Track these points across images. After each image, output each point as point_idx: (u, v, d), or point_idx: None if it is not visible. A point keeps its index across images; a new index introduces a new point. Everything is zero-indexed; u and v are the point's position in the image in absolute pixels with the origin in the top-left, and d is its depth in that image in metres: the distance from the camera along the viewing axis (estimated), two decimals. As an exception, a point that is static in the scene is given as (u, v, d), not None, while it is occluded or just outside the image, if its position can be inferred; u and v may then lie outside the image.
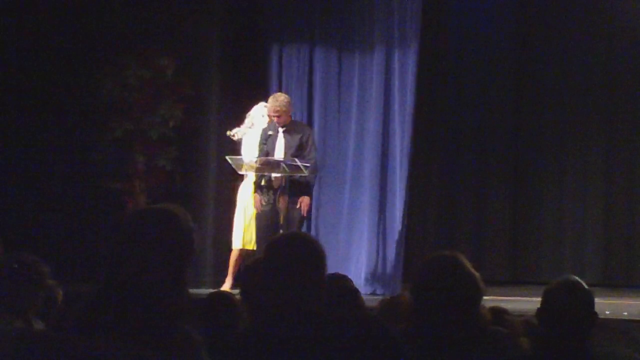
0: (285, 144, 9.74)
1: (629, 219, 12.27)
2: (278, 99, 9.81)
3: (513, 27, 12.41)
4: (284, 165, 9.40)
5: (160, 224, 2.72)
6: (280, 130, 9.74)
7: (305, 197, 9.67)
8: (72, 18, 10.97)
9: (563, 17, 12.25)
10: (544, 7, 12.26)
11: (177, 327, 2.75)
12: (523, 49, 12.48)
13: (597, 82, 12.33)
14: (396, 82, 10.89)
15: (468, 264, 3.44)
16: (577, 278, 3.79)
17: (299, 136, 9.74)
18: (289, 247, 3.16)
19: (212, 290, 5.65)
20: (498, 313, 4.94)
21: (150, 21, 10.87)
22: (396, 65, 10.93)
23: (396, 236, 10.74)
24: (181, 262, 2.71)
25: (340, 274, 5.00)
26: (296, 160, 9.40)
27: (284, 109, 9.72)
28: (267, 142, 9.68)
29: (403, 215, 10.75)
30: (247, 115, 10.23)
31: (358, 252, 10.88)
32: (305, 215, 9.78)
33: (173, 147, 10.79)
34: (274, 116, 9.69)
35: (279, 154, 9.67)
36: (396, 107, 10.90)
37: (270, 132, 9.74)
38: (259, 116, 10.10)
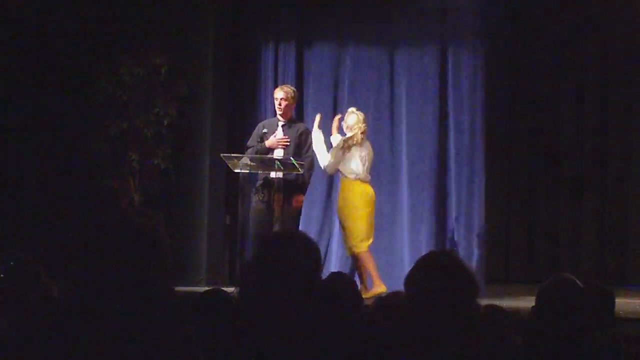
0: (282, 141, 9.73)
1: (623, 218, 12.28)
2: (288, 85, 9.95)
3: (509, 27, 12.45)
4: (278, 164, 9.37)
5: (116, 228, 2.80)
6: (279, 126, 9.71)
7: (299, 194, 9.64)
8: (67, 16, 10.96)
9: (559, 17, 12.28)
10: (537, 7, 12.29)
11: (176, 334, 2.78)
12: (519, 49, 12.50)
13: (592, 82, 12.35)
14: (450, 80, 10.93)
15: (464, 262, 3.44)
16: (571, 277, 3.80)
17: (297, 134, 9.69)
18: (283, 245, 3.16)
19: (207, 288, 5.65)
20: (493, 311, 4.94)
21: (145, 20, 10.87)
22: (450, 62, 10.95)
23: (474, 234, 10.84)
24: (142, 260, 2.75)
25: (345, 274, 4.99)
26: (291, 158, 9.37)
27: (291, 95, 9.71)
28: (262, 141, 9.64)
29: (484, 213, 10.82)
30: (343, 123, 9.95)
31: (414, 252, 10.84)
32: (295, 211, 9.71)
33: (167, 146, 10.79)
34: (280, 99, 9.66)
35: (277, 152, 9.63)
36: (451, 105, 10.91)
37: (265, 130, 9.70)
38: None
